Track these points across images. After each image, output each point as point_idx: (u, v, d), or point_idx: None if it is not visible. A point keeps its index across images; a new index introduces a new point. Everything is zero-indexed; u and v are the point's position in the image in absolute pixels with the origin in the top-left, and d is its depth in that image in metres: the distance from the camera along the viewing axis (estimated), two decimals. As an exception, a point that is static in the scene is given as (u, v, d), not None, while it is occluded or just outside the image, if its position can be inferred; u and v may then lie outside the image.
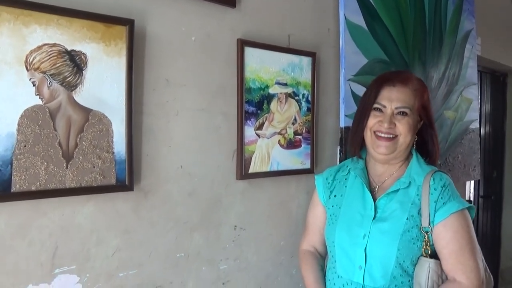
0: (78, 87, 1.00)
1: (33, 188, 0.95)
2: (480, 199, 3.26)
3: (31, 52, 0.93)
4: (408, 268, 1.03)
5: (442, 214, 1.03)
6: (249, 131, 1.37)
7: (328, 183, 1.23)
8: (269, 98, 1.42)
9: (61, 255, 1.01)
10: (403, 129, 1.10)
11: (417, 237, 1.03)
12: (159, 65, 1.17)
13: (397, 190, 1.09)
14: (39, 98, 0.95)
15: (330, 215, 1.18)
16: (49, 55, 0.95)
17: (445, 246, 1.01)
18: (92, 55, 1.02)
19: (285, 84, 1.47)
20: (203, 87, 1.26)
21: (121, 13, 1.07)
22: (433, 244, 1.04)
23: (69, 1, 0.98)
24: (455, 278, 1.00)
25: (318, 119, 1.59)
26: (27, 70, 0.93)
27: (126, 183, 1.08)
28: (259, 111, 1.39)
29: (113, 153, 1.07)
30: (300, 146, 1.53)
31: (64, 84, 0.98)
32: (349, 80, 1.65)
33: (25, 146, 0.94)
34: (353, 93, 1.67)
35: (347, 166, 1.23)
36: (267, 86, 1.41)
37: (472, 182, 3.07)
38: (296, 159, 1.51)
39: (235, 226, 1.36)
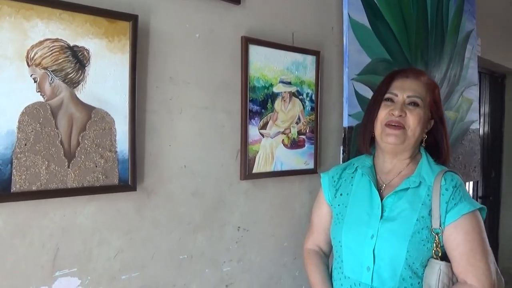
0: (81, 84, 0.97)
1: (34, 188, 0.92)
2: (478, 199, 3.26)
3: (32, 47, 0.90)
4: (417, 270, 1.01)
5: (453, 215, 1.01)
6: (253, 131, 1.34)
7: (334, 181, 1.21)
8: (273, 97, 1.39)
9: (62, 257, 0.98)
10: (413, 120, 1.07)
11: (427, 238, 1.01)
12: (163, 62, 1.14)
13: (407, 189, 1.07)
14: (41, 95, 0.92)
15: (336, 214, 1.16)
16: (51, 50, 0.93)
17: (456, 247, 1.00)
18: (95, 51, 0.99)
19: (289, 83, 1.44)
20: (207, 85, 1.24)
21: (124, 9, 1.04)
22: (443, 246, 1.02)
23: (72, -5, 0.96)
24: (466, 280, 0.98)
25: (321, 119, 1.57)
26: (28, 65, 0.90)
27: (129, 183, 1.06)
28: (263, 110, 1.37)
29: (116, 152, 1.04)
30: (304, 146, 1.51)
31: (66, 80, 0.95)
32: (352, 79, 1.64)
33: (25, 145, 0.91)
34: (356, 93, 1.65)
35: (353, 164, 1.21)
36: (271, 85, 1.39)
37: (471, 182, 3.07)
38: (300, 159, 1.49)
39: (239, 226, 1.34)
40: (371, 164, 1.17)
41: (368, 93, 1.69)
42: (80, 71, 0.97)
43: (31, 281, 0.94)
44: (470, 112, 2.38)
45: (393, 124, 1.08)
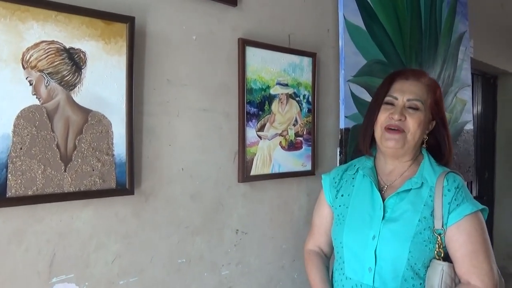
0: (77, 87, 0.96)
1: (30, 193, 0.90)
2: (473, 200, 3.28)
3: (28, 49, 0.89)
4: (419, 271, 1.01)
5: (456, 216, 1.01)
6: (251, 133, 1.34)
7: (335, 182, 1.21)
8: (271, 98, 1.39)
9: (59, 263, 0.96)
10: (413, 124, 1.06)
11: (429, 239, 1.01)
12: (160, 64, 1.13)
13: (409, 190, 1.07)
14: (36, 98, 0.90)
15: (338, 215, 1.16)
16: (47, 52, 0.91)
17: (458, 248, 0.99)
18: (92, 53, 0.98)
19: (286, 85, 1.44)
20: (204, 87, 1.23)
21: (121, 10, 1.03)
22: (445, 246, 1.02)
23: (68, -4, 0.94)
24: (469, 281, 0.98)
25: (318, 120, 1.56)
26: (24, 68, 0.88)
27: (127, 186, 1.04)
28: (260, 112, 1.36)
29: (113, 155, 1.02)
30: (301, 147, 1.50)
31: (62, 83, 0.94)
32: (348, 81, 1.64)
33: (21, 149, 0.89)
34: (352, 94, 1.66)
35: (355, 165, 1.20)
36: (268, 87, 1.38)
37: (465, 183, 3.09)
38: (297, 160, 1.49)
39: (237, 229, 1.33)
40: (372, 165, 1.16)
41: (364, 95, 1.70)
42: (77, 74, 0.96)
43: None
44: (464, 113, 2.40)
45: (393, 128, 1.08)
